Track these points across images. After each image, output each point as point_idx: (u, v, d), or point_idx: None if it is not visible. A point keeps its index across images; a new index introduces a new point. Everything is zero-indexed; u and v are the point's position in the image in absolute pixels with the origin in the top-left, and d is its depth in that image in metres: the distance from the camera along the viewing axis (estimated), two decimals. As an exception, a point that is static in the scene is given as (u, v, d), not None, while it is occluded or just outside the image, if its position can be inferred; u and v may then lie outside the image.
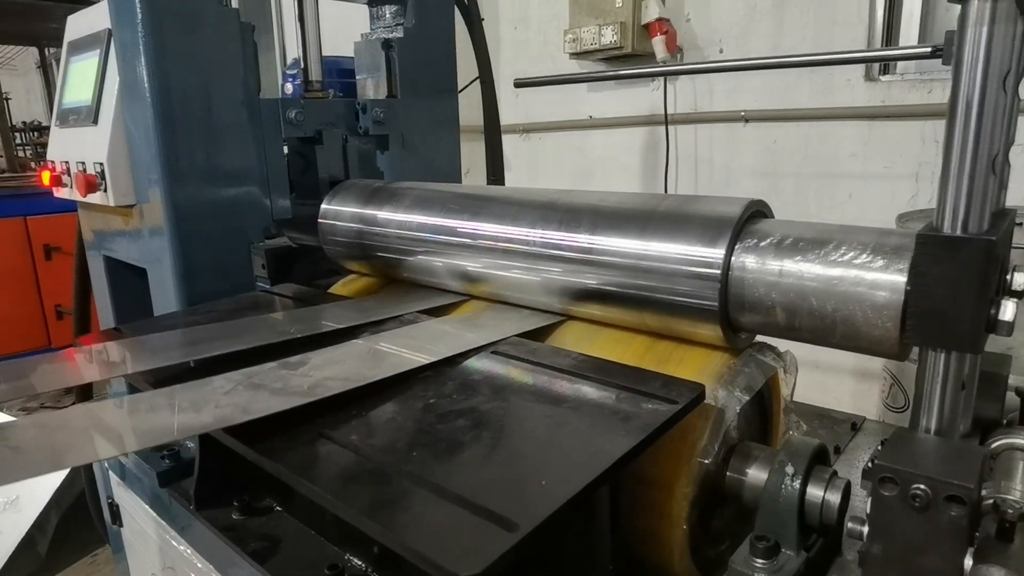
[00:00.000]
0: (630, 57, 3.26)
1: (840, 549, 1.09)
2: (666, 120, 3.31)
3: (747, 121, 3.12)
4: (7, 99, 6.48)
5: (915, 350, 0.89)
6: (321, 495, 0.74)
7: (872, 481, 0.77)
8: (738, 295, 0.98)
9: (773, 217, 1.08)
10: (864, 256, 0.89)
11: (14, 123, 7.97)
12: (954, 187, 0.77)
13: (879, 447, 1.38)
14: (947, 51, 1.14)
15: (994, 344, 0.96)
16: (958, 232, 0.77)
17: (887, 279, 0.86)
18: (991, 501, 0.81)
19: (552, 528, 0.67)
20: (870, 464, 1.31)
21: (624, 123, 3.44)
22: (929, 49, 1.30)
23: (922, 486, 0.72)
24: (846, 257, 0.91)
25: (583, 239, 1.12)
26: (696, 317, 1.01)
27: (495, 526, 0.65)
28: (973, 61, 0.74)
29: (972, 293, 0.75)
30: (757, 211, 1.05)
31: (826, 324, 0.92)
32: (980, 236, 0.75)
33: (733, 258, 0.98)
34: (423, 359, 1.06)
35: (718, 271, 0.97)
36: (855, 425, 1.58)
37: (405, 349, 1.12)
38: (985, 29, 0.73)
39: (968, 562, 0.73)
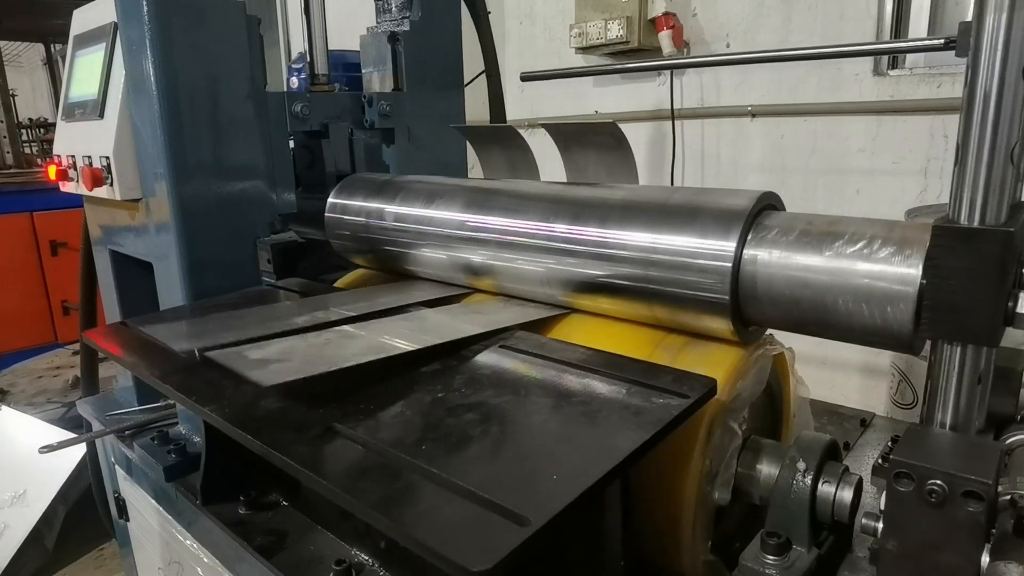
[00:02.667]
0: (636, 52, 3.24)
1: (851, 545, 1.08)
2: (672, 115, 3.29)
3: (754, 116, 3.10)
4: (13, 96, 6.48)
5: (926, 345, 0.88)
6: (331, 490, 0.73)
7: (888, 477, 0.76)
8: (749, 288, 0.97)
9: (784, 210, 1.07)
10: (877, 249, 0.88)
11: (20, 120, 7.99)
12: (971, 178, 0.75)
13: (889, 443, 1.37)
14: (961, 42, 1.12)
15: (1007, 338, 0.94)
16: (975, 223, 0.76)
17: (901, 272, 0.85)
18: (1007, 497, 0.79)
19: (564, 523, 0.66)
20: (880, 461, 1.30)
21: (630, 118, 3.42)
22: (942, 41, 1.28)
23: (939, 482, 0.71)
24: (859, 250, 0.89)
25: (593, 232, 1.11)
26: (706, 310, 1.00)
27: (506, 521, 0.64)
28: (991, 50, 0.72)
29: (990, 285, 0.74)
30: (768, 204, 1.03)
31: (838, 318, 0.91)
32: (998, 227, 0.74)
33: (744, 251, 0.97)
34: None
35: (729, 264, 0.96)
36: (864, 421, 1.57)
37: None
38: (1004, 16, 0.72)
39: (985, 559, 0.72)
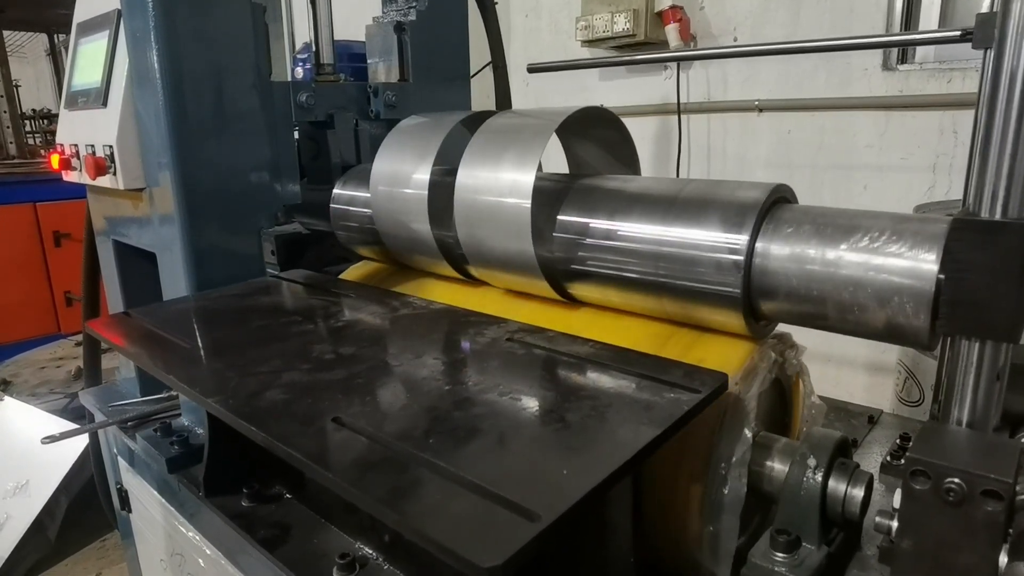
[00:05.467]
0: (643, 45, 3.22)
1: (859, 544, 1.07)
2: (679, 110, 3.27)
3: (761, 111, 3.08)
4: (16, 86, 6.48)
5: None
6: (337, 483, 0.72)
7: (904, 475, 0.74)
8: (761, 282, 0.96)
9: (797, 203, 1.05)
10: (893, 243, 0.86)
11: (23, 110, 7.99)
12: (993, 169, 0.74)
13: (898, 441, 1.36)
14: (978, 34, 1.10)
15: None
16: (997, 216, 0.74)
17: (918, 267, 0.83)
18: (1024, 497, 0.78)
19: (574, 519, 0.65)
20: (888, 458, 1.29)
21: (636, 112, 3.40)
22: (958, 33, 1.27)
23: (957, 480, 0.70)
24: (874, 244, 0.88)
25: (602, 224, 1.09)
26: (718, 304, 0.99)
27: (516, 516, 0.63)
28: (1018, 36, 0.70)
29: (1012, 279, 0.72)
30: (781, 196, 1.02)
31: (852, 312, 0.89)
32: (1022, 220, 0.72)
33: (757, 244, 0.95)
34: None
35: (742, 257, 0.95)
36: (872, 418, 1.55)
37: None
38: (1031, 3, 0.70)
39: (1003, 559, 0.70)
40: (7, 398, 3.27)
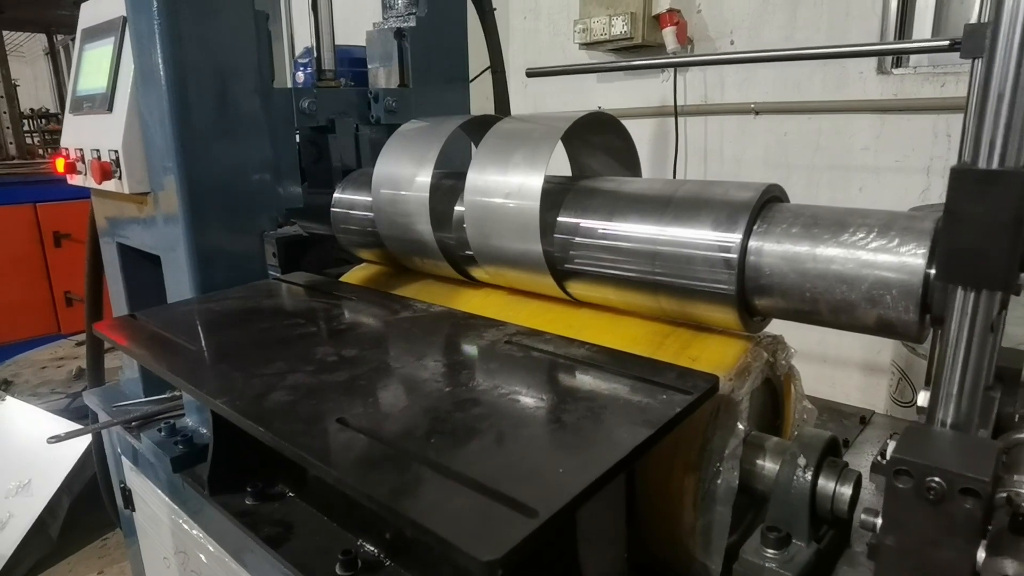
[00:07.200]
0: (640, 48, 3.25)
1: (849, 541, 1.10)
2: (676, 112, 3.30)
3: (757, 113, 3.11)
4: (16, 86, 6.48)
5: (928, 343, 0.88)
6: (342, 480, 0.75)
7: (887, 473, 0.77)
8: (755, 279, 0.99)
9: (789, 202, 1.08)
10: (882, 237, 0.90)
11: (22, 110, 7.98)
12: (991, 118, 0.74)
13: (888, 441, 1.38)
14: (966, 44, 1.12)
15: (1008, 340, 0.95)
16: (994, 165, 0.75)
17: (906, 261, 0.87)
18: (1005, 495, 0.81)
19: (570, 515, 0.67)
20: (879, 458, 1.32)
21: (634, 114, 3.42)
22: (947, 42, 1.30)
23: (937, 479, 0.72)
24: (863, 239, 0.91)
25: (600, 224, 1.12)
26: (713, 301, 1.02)
27: (515, 512, 0.66)
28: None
29: (1008, 227, 0.73)
30: (774, 196, 1.05)
31: (843, 307, 0.93)
32: (1018, 169, 0.73)
33: (750, 242, 0.98)
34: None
35: (735, 255, 0.98)
36: (864, 419, 1.58)
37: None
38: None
39: (981, 555, 0.73)
40: (8, 398, 3.28)
